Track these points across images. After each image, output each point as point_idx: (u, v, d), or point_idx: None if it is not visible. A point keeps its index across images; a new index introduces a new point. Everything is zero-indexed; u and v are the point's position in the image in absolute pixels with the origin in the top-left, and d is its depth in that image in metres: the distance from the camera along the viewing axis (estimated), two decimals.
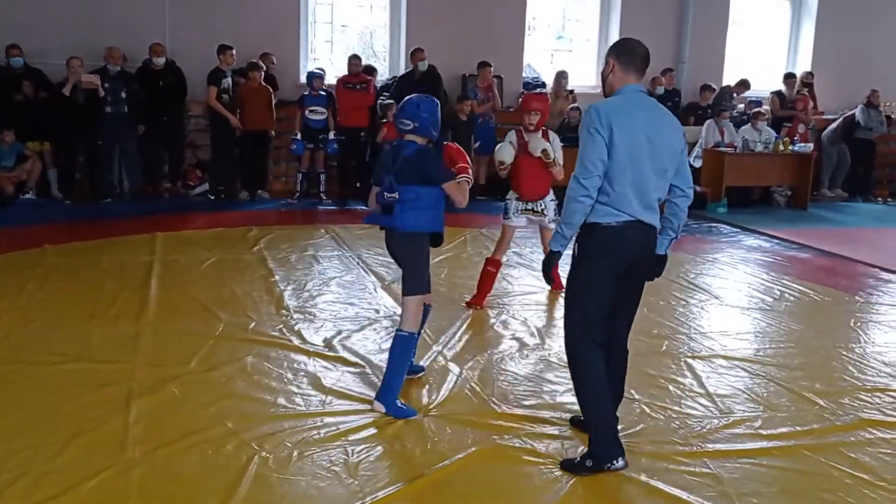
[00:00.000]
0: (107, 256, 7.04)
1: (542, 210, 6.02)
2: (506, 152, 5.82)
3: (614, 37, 12.51)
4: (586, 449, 3.60)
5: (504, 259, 6.24)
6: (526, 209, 6.01)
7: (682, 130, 3.67)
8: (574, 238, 3.52)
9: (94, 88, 9.39)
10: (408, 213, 4.00)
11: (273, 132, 10.44)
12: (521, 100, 6.13)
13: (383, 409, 4.04)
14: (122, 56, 9.71)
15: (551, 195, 6.06)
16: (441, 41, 11.32)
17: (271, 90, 10.28)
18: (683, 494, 3.39)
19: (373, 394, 4.23)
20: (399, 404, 4.08)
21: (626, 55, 3.52)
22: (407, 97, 4.21)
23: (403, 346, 4.11)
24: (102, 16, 10.20)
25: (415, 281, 4.09)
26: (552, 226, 5.93)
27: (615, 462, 3.53)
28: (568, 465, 3.60)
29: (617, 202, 3.41)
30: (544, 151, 5.76)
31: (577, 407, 4.07)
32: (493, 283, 6.06)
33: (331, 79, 10.74)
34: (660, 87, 11.66)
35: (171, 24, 10.49)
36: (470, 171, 4.20)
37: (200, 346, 4.88)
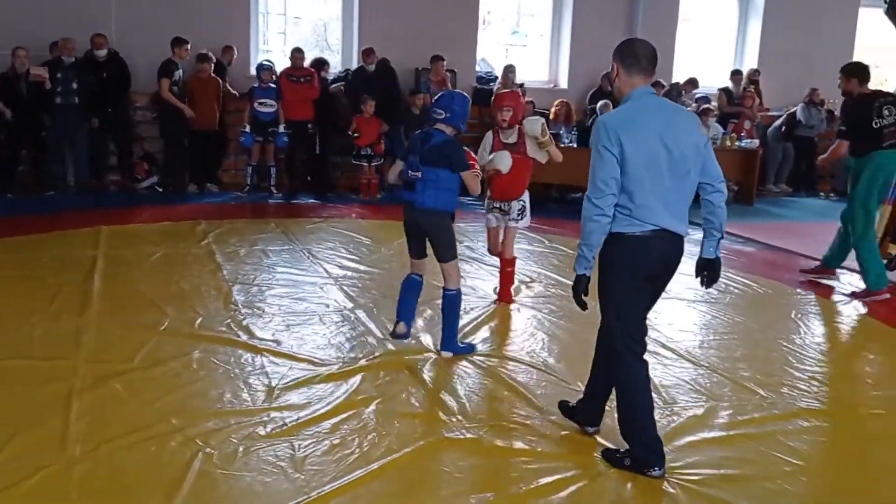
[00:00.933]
0: (49, 251, 6.90)
1: (508, 210, 6.02)
2: (504, 162, 5.56)
3: (566, 33, 12.61)
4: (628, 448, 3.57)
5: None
6: (494, 207, 6.09)
7: (700, 125, 3.54)
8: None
9: (41, 81, 9.18)
10: (428, 191, 4.61)
11: (217, 127, 10.32)
12: (492, 99, 6.13)
13: (450, 354, 4.82)
14: (75, 47, 9.52)
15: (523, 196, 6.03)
16: (394, 34, 11.28)
17: (220, 82, 10.16)
18: (627, 485, 3.44)
19: (319, 391, 4.24)
20: (460, 345, 4.90)
21: (629, 57, 3.41)
22: (444, 91, 4.98)
23: (452, 303, 4.82)
24: (48, 6, 9.94)
25: (449, 249, 4.76)
26: (513, 224, 5.97)
27: (654, 469, 3.47)
28: (608, 456, 3.60)
29: (638, 214, 3.33)
30: (542, 128, 5.68)
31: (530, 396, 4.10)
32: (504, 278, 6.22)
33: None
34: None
35: (117, 14, 10.27)
36: (477, 166, 4.80)
37: (145, 342, 4.81)
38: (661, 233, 3.37)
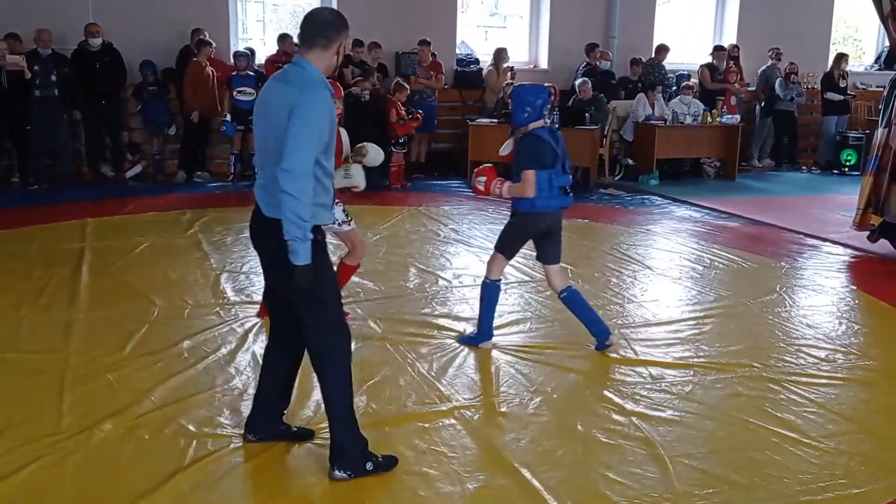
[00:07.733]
0: (35, 244, 6.86)
1: None
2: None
3: (545, 13, 12.58)
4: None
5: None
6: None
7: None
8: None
9: (19, 70, 9.06)
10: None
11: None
12: None
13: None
14: (51, 38, 9.40)
15: None
16: (373, 19, 11.22)
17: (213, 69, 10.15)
18: (615, 459, 3.49)
19: (311, 375, 4.24)
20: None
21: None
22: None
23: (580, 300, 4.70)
24: None
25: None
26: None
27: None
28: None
29: None
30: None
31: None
32: None
33: (263, 59, 10.61)
34: (606, 62, 11.77)
35: (94, 3, 10.15)
36: None
37: (135, 332, 4.81)
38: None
